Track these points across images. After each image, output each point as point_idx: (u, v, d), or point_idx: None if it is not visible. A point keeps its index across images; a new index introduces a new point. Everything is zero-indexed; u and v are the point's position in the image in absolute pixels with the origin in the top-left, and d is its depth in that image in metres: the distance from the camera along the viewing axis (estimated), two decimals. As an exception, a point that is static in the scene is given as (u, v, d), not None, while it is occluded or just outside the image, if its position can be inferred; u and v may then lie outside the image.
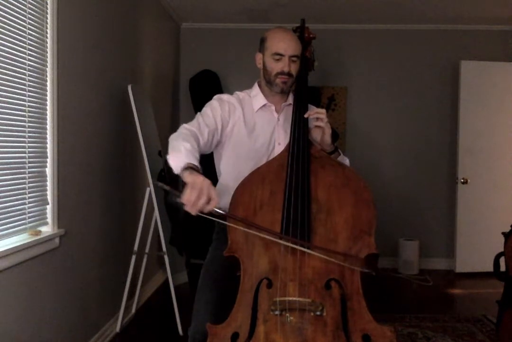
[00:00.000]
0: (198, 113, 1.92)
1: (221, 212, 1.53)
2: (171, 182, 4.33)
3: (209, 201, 1.48)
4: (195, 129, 1.80)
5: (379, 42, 5.18)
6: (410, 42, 5.16)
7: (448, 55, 5.10)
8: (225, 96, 1.97)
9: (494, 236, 3.50)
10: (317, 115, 1.82)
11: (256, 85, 2.00)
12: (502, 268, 2.74)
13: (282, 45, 1.84)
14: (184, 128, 1.80)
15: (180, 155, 1.63)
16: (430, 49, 5.14)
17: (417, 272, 4.95)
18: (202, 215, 1.50)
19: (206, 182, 1.49)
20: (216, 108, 1.91)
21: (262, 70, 1.93)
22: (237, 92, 2.01)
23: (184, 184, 1.52)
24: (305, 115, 1.83)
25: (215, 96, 1.98)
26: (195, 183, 1.48)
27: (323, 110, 1.84)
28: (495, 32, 5.10)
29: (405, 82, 5.18)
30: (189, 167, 1.56)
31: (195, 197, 1.46)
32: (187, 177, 1.52)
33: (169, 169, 1.69)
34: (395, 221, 5.03)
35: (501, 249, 2.73)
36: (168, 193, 1.54)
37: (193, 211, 1.48)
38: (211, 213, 1.52)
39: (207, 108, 1.92)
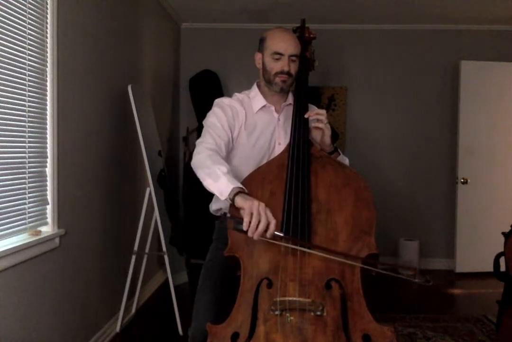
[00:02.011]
0: (205, 125, 1.89)
1: (280, 234, 1.54)
2: (171, 183, 4.33)
3: (268, 224, 1.49)
4: (214, 146, 1.78)
5: (379, 42, 5.18)
6: (410, 42, 5.16)
7: (448, 55, 5.10)
8: (226, 100, 1.95)
9: (494, 236, 3.50)
10: (317, 117, 1.82)
11: (255, 86, 2.00)
12: (502, 268, 2.74)
13: (282, 45, 1.85)
14: (205, 148, 1.75)
15: (221, 181, 1.60)
16: (430, 49, 5.14)
17: (414, 272, 4.94)
18: (264, 238, 1.52)
19: (262, 206, 1.50)
20: (221, 116, 1.88)
21: (262, 70, 1.93)
22: (236, 93, 2.00)
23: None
24: (305, 116, 1.83)
25: (216, 102, 1.95)
26: (252, 208, 1.49)
27: (323, 111, 1.84)
28: (495, 32, 5.10)
29: (405, 82, 5.18)
30: (239, 192, 1.56)
31: (255, 223, 1.48)
32: (241, 203, 1.52)
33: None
34: (395, 221, 5.03)
35: (501, 249, 2.73)
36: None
37: (255, 237, 1.49)
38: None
39: (212, 119, 1.88)
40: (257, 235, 1.49)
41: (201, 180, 1.67)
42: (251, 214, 1.48)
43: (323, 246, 1.59)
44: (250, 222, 1.48)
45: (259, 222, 1.48)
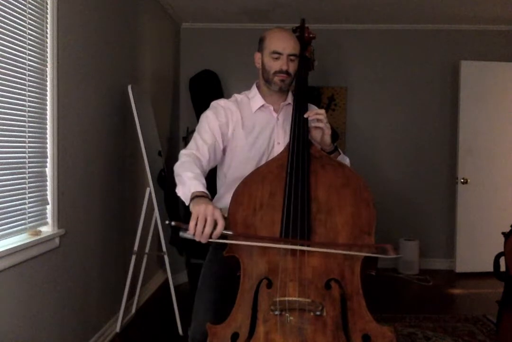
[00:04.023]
0: (196, 130, 1.91)
1: (229, 232, 1.54)
2: (171, 183, 4.32)
3: (215, 225, 1.48)
4: (194, 151, 1.81)
5: (379, 42, 5.18)
6: (410, 42, 5.16)
7: (448, 55, 5.10)
8: (221, 102, 1.96)
9: (494, 236, 3.50)
10: (316, 117, 1.82)
11: (254, 86, 2.01)
12: (502, 268, 2.74)
13: (281, 44, 1.85)
14: (182, 155, 1.79)
15: (185, 187, 1.62)
16: (430, 49, 5.14)
17: (417, 272, 4.95)
18: (213, 240, 1.50)
19: (208, 207, 1.49)
20: (212, 119, 1.90)
21: (261, 70, 1.94)
22: (236, 94, 2.01)
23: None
24: (305, 116, 1.83)
25: (212, 104, 1.97)
26: (198, 212, 1.48)
27: (323, 111, 1.84)
28: (495, 32, 5.10)
29: (405, 82, 5.18)
30: (195, 197, 1.56)
31: (201, 226, 1.47)
32: (191, 208, 1.52)
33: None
34: (395, 221, 5.03)
35: (501, 249, 2.73)
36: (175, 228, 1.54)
37: (203, 240, 1.48)
38: (221, 236, 1.52)
39: (203, 122, 1.91)
40: (204, 238, 1.47)
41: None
42: (197, 218, 1.47)
43: (323, 246, 1.59)
44: (196, 225, 1.47)
45: (205, 224, 1.46)
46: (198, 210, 1.48)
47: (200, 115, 1.96)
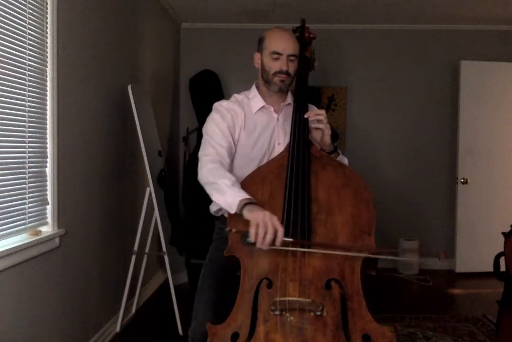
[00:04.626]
0: (204, 134, 1.89)
1: (289, 239, 1.55)
2: (171, 183, 4.33)
3: (275, 232, 1.50)
4: (216, 156, 1.79)
5: (379, 42, 5.17)
6: (410, 42, 5.16)
7: (448, 55, 5.10)
8: (224, 104, 1.95)
9: (494, 236, 3.50)
10: (317, 117, 1.82)
11: (254, 86, 2.00)
12: (502, 268, 2.74)
13: (281, 44, 1.85)
14: (207, 162, 1.77)
15: (228, 194, 1.62)
16: (430, 49, 5.14)
17: (417, 272, 4.95)
18: (275, 247, 1.52)
19: (267, 215, 1.51)
20: (220, 122, 1.88)
21: (260, 70, 1.93)
22: (235, 94, 2.00)
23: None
24: (305, 116, 1.83)
25: (214, 106, 1.95)
26: (257, 220, 1.50)
27: (323, 112, 1.84)
28: (495, 32, 5.10)
29: (405, 83, 5.18)
30: (246, 204, 1.57)
31: (262, 234, 1.48)
32: (248, 215, 1.54)
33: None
34: (395, 221, 5.02)
35: (501, 249, 2.73)
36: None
37: (264, 247, 1.51)
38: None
39: (212, 126, 1.89)
40: (266, 245, 1.50)
41: (210, 196, 1.70)
42: (257, 225, 1.49)
43: (323, 246, 1.59)
44: (257, 233, 1.49)
45: (266, 231, 1.48)
46: (257, 217, 1.50)
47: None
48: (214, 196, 1.67)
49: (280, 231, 1.50)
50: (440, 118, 5.18)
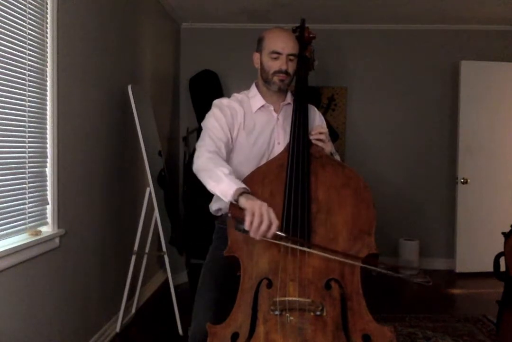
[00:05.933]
0: (204, 128, 1.88)
1: (282, 234, 1.54)
2: (171, 183, 4.33)
3: (270, 224, 1.49)
4: (214, 148, 1.78)
5: (379, 42, 5.17)
6: (410, 42, 5.16)
7: (448, 55, 5.10)
8: (224, 101, 1.95)
9: (494, 236, 3.50)
10: (318, 137, 1.82)
11: (253, 86, 2.00)
12: (502, 268, 2.74)
13: (280, 44, 1.85)
14: (205, 151, 1.76)
15: (224, 183, 1.61)
16: (430, 49, 5.14)
17: (417, 272, 4.95)
18: (265, 238, 1.52)
19: (264, 205, 1.51)
20: (220, 117, 1.88)
21: (260, 70, 1.93)
22: (235, 94, 2.00)
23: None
24: (310, 136, 1.82)
25: (215, 103, 1.95)
26: (254, 208, 1.49)
27: (325, 130, 1.84)
28: (495, 32, 5.10)
29: (405, 82, 5.18)
30: (243, 192, 1.56)
31: (257, 223, 1.48)
32: (244, 203, 1.53)
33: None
34: (395, 221, 5.03)
35: (501, 249, 2.73)
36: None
37: (257, 237, 1.50)
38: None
39: (211, 120, 1.88)
40: (260, 235, 1.49)
41: (204, 183, 1.68)
42: (253, 214, 1.48)
43: (323, 245, 1.59)
44: (252, 222, 1.48)
45: (261, 222, 1.48)
46: (254, 206, 1.50)
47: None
48: (210, 184, 1.65)
49: (275, 223, 1.49)
50: (440, 118, 5.18)
